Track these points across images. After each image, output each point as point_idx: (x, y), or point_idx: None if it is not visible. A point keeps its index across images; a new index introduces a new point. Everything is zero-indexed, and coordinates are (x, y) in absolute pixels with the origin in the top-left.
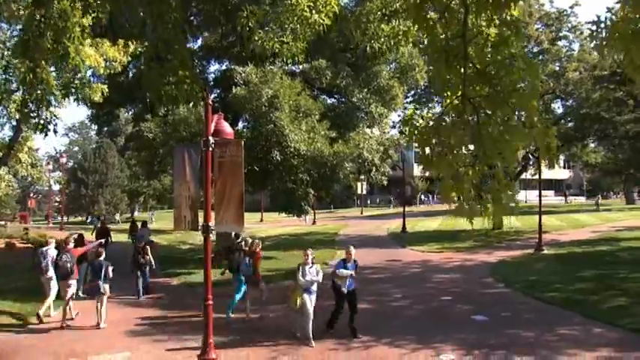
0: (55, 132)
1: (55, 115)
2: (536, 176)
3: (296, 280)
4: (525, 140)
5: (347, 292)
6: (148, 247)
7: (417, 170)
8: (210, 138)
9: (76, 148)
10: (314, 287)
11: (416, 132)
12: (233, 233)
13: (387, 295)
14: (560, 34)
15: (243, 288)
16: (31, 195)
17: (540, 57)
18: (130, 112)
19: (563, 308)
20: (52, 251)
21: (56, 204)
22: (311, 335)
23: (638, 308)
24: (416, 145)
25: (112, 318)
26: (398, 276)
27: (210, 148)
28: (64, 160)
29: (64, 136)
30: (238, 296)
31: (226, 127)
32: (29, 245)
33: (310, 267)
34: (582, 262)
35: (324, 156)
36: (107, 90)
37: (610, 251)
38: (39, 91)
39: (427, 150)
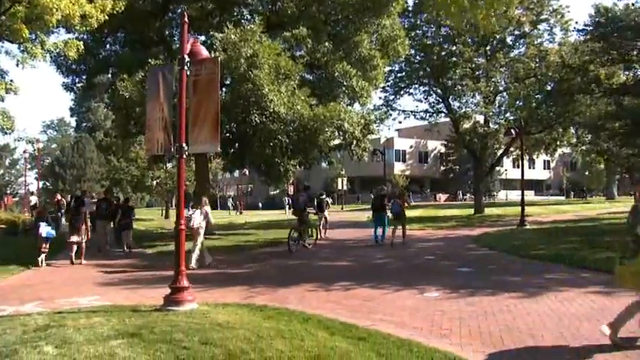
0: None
1: None
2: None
3: (628, 236)
4: None
5: None
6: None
7: (398, 169)
8: (186, 57)
9: (54, 145)
10: None
11: None
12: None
13: (368, 257)
14: (541, 17)
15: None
16: (8, 193)
17: (522, 40)
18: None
19: (551, 262)
20: (87, 201)
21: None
22: None
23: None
24: None
25: (81, 275)
26: (379, 245)
27: (186, 67)
28: (40, 145)
29: (42, 133)
30: (387, 229)
31: (202, 50)
32: (2, 226)
33: None
34: (566, 232)
35: (304, 118)
36: (82, 47)
37: (592, 226)
38: None
39: None
